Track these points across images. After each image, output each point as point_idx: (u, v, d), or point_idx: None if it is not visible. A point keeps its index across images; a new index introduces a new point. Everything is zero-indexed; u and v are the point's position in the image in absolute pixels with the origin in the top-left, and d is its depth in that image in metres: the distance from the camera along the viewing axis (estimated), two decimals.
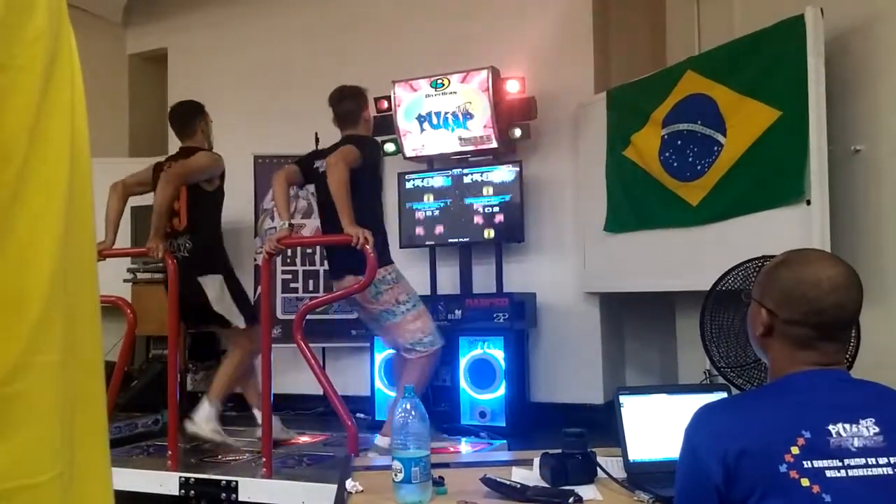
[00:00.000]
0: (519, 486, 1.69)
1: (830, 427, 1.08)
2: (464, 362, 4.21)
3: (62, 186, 0.46)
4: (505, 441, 3.87)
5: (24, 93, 0.44)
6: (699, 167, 3.69)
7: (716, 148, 3.60)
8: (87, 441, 0.49)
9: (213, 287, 3.60)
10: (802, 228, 3.10)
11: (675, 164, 3.83)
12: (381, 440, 3.33)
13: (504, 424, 4.06)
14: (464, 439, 3.86)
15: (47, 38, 0.45)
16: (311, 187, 3.72)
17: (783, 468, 1.05)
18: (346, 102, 3.46)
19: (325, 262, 3.76)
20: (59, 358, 0.45)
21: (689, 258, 3.67)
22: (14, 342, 0.43)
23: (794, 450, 1.06)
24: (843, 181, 3.23)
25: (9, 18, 0.42)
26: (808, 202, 3.10)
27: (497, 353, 4.15)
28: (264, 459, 3.02)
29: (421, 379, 3.29)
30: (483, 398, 4.16)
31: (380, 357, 4.37)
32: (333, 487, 1.90)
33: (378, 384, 4.41)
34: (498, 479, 1.70)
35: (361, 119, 3.50)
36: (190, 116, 3.75)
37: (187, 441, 3.54)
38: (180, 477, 3.09)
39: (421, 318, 3.37)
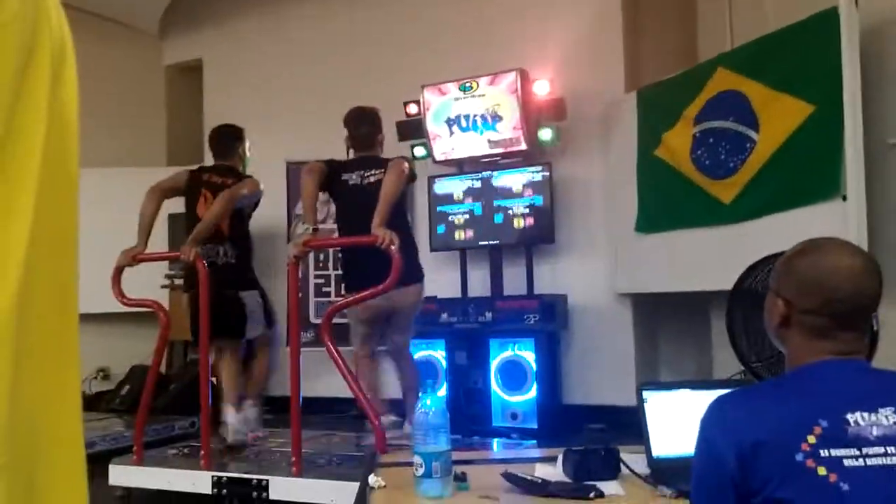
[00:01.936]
0: (540, 481, 1.68)
1: (848, 416, 1.05)
2: (495, 364, 4.21)
3: (31, 194, 0.46)
4: (535, 442, 3.84)
5: None
6: (732, 164, 3.63)
7: (748, 145, 3.54)
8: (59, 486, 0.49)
9: (249, 302, 3.78)
10: (839, 224, 3.02)
11: (708, 163, 3.78)
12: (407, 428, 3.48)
13: (536, 426, 4.04)
14: (495, 440, 3.84)
15: (19, 22, 0.45)
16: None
17: (800, 457, 1.03)
18: (365, 127, 3.60)
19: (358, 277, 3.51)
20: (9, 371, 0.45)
21: (723, 257, 3.61)
22: None
23: (811, 439, 1.04)
24: (879, 176, 3.15)
25: None
26: (844, 198, 3.03)
27: (528, 354, 4.14)
28: (294, 458, 3.06)
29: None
30: (514, 400, 4.14)
31: None
32: None
33: None
34: (519, 475, 1.69)
35: (377, 142, 3.63)
36: (232, 140, 3.99)
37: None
38: (213, 476, 3.15)
39: None
